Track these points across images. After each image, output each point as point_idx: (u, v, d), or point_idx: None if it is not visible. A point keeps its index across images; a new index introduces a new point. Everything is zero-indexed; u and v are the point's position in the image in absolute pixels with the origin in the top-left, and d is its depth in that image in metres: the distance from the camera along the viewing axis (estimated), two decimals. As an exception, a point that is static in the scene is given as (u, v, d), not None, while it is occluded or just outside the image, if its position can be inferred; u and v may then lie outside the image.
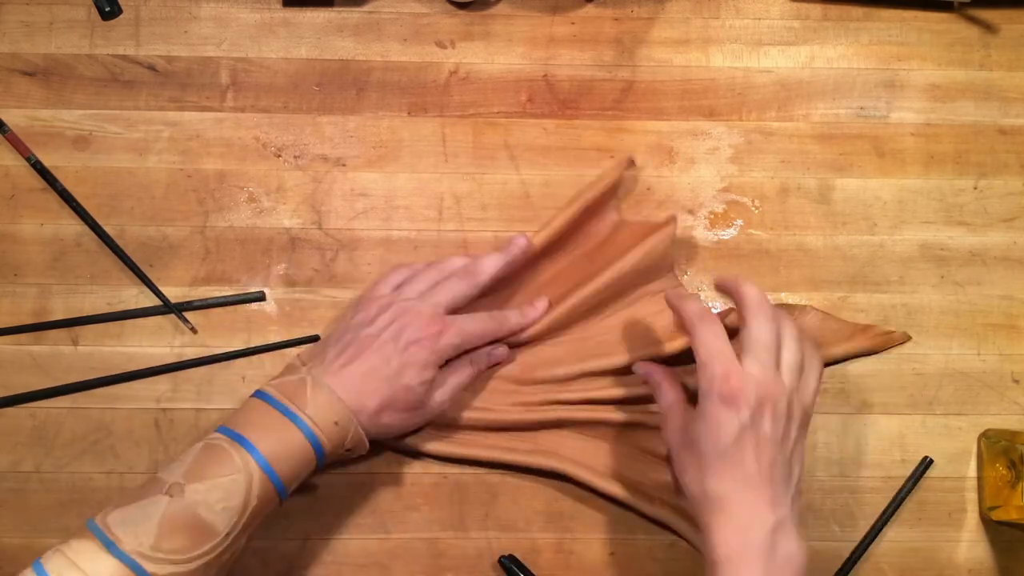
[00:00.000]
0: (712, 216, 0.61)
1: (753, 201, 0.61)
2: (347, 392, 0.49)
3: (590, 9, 0.63)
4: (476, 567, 0.56)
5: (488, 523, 0.56)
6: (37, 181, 0.59)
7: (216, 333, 0.58)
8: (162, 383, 0.57)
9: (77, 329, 0.57)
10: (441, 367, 0.52)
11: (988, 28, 0.64)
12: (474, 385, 0.55)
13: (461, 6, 0.63)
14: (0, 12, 0.62)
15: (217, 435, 0.47)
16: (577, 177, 0.61)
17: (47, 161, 0.59)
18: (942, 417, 0.58)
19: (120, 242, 0.59)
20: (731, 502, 0.44)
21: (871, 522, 0.57)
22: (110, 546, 0.42)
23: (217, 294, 0.58)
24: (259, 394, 0.49)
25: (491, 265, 0.55)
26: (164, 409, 0.57)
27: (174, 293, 0.58)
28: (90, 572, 0.42)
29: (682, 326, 0.49)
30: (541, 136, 0.61)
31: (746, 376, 0.45)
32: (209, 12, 0.62)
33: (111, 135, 0.60)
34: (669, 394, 0.51)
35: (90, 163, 0.60)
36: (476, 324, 0.54)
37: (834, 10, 0.64)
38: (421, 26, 0.63)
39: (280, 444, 0.47)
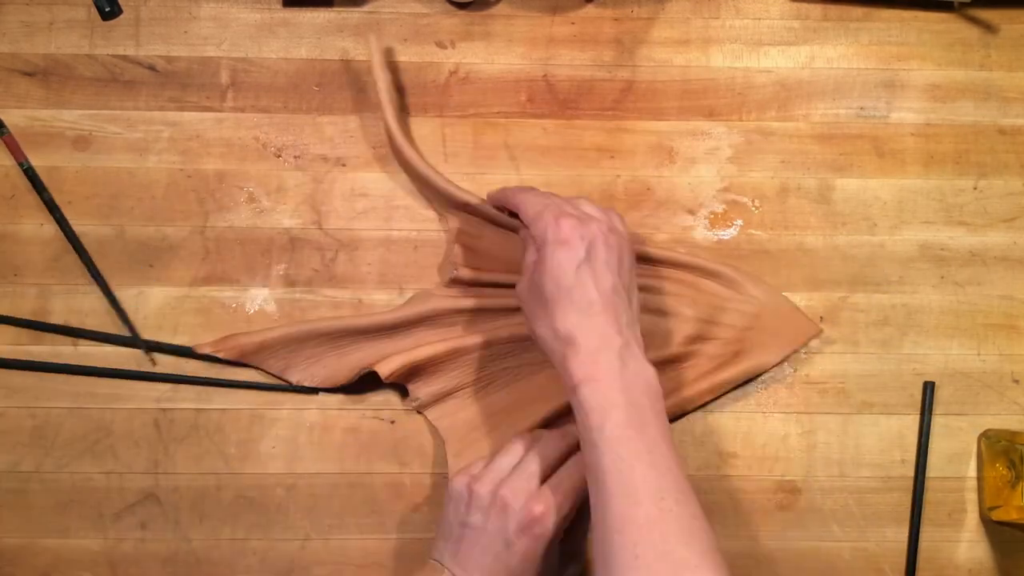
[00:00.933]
0: (712, 216, 0.61)
1: (753, 201, 0.61)
2: None
3: (590, 9, 0.63)
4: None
5: (488, 523, 0.56)
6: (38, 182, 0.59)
7: (216, 333, 0.57)
8: (162, 383, 0.57)
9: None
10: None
11: (988, 28, 0.64)
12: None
13: (461, 6, 0.63)
14: (0, 12, 0.62)
15: None
16: (577, 177, 0.61)
17: (47, 161, 0.59)
18: (942, 417, 0.58)
19: (120, 242, 0.59)
20: (580, 333, 0.46)
21: (871, 522, 0.57)
22: None
23: (217, 294, 0.58)
24: None
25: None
26: (164, 409, 0.57)
27: (174, 293, 0.58)
28: None
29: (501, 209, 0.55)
30: (541, 136, 0.61)
31: (572, 218, 0.48)
32: (209, 12, 0.62)
33: (111, 135, 0.60)
34: (531, 254, 0.51)
35: (90, 163, 0.60)
36: (576, 475, 0.50)
37: (834, 10, 0.64)
38: (421, 26, 0.63)
39: None
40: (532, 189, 0.53)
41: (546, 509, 0.48)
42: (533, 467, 0.50)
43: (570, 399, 0.46)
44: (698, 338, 0.58)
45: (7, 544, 0.55)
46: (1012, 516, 0.54)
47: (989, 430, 0.57)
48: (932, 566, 0.57)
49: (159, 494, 0.56)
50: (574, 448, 0.51)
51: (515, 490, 0.48)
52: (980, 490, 0.57)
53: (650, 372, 0.47)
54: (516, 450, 0.51)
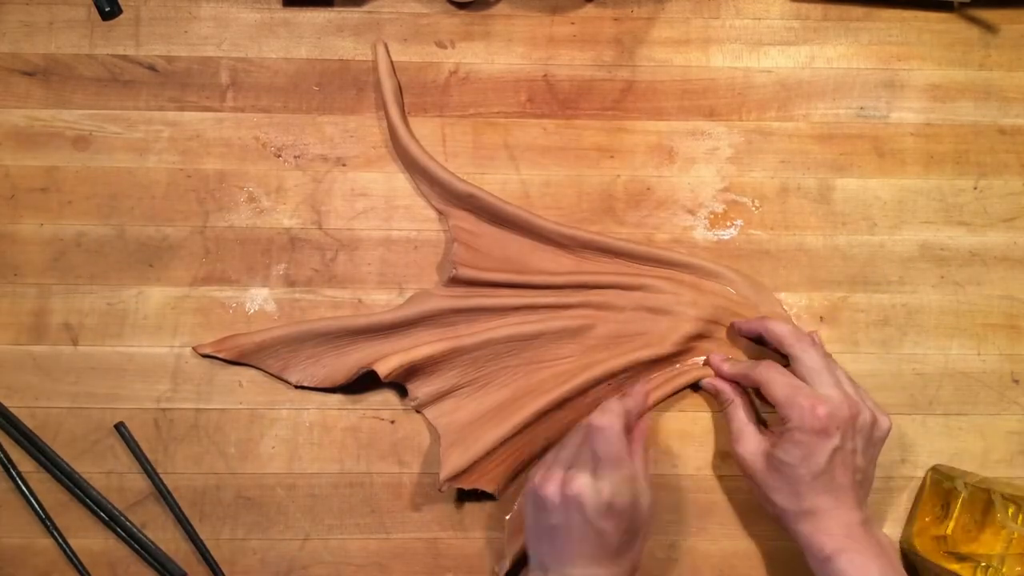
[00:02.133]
0: (712, 216, 0.61)
1: (753, 201, 0.61)
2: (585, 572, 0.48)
3: (590, 9, 0.63)
4: (476, 567, 0.56)
5: (488, 523, 0.56)
6: (37, 181, 0.59)
7: (216, 333, 0.58)
8: (162, 383, 0.57)
9: (77, 329, 0.57)
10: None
11: (988, 28, 0.64)
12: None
13: (461, 6, 0.63)
14: (0, 12, 0.62)
15: None
16: (577, 177, 0.61)
17: (47, 161, 0.60)
18: (942, 417, 0.58)
19: (120, 242, 0.59)
20: (825, 511, 0.50)
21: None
22: None
23: (217, 294, 0.58)
24: None
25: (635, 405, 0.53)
26: (164, 409, 0.57)
27: (174, 293, 0.58)
28: None
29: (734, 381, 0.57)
30: (541, 136, 0.61)
31: (829, 404, 0.50)
32: (209, 12, 0.62)
33: (111, 135, 0.60)
34: (742, 414, 0.55)
35: (90, 163, 0.60)
36: (635, 448, 0.51)
37: (834, 10, 0.64)
38: (421, 26, 0.63)
39: None
40: (775, 366, 0.54)
41: (613, 490, 0.48)
42: (588, 456, 0.51)
43: (820, 569, 0.49)
44: (698, 337, 0.58)
45: (7, 544, 0.55)
46: (922, 549, 0.55)
47: (940, 466, 0.57)
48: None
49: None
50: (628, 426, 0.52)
51: (581, 484, 0.49)
52: (909, 519, 0.57)
53: (891, 540, 0.51)
54: (571, 443, 0.52)
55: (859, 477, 0.51)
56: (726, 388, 0.56)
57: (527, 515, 0.51)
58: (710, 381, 0.57)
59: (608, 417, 0.50)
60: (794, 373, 0.53)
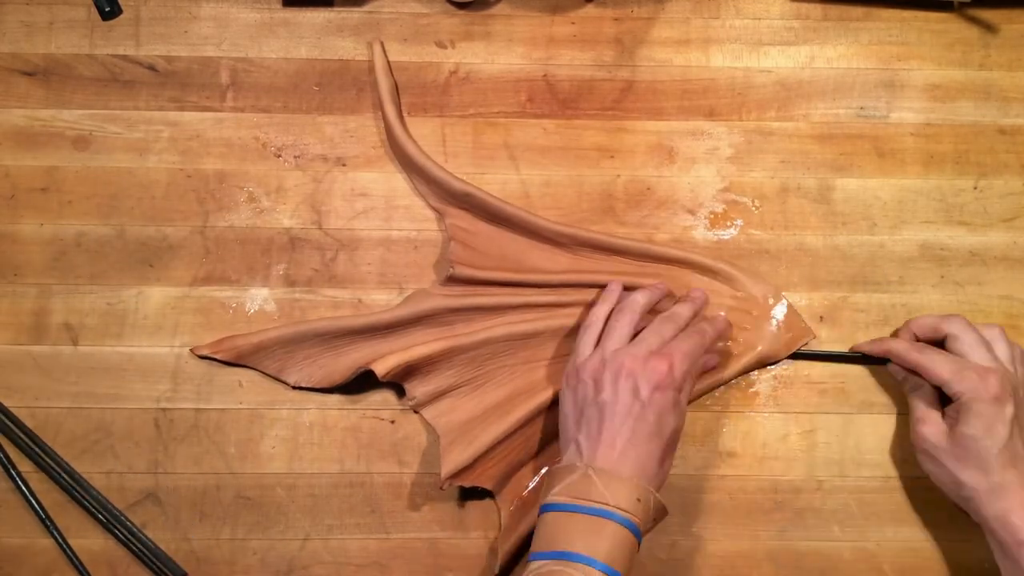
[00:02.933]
0: (712, 216, 0.61)
1: (753, 201, 0.61)
2: (629, 467, 0.49)
3: (590, 9, 0.63)
4: (476, 567, 0.56)
5: (488, 523, 0.56)
6: (37, 181, 0.59)
7: (216, 333, 0.58)
8: (162, 383, 0.57)
9: (77, 329, 0.57)
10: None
11: (988, 28, 0.64)
12: None
13: (461, 6, 0.63)
14: (0, 12, 0.62)
15: (544, 564, 0.46)
16: (577, 177, 0.61)
17: (47, 161, 0.60)
18: (942, 417, 0.58)
19: (120, 242, 0.59)
20: (1015, 486, 0.50)
21: (871, 522, 0.57)
22: None
23: (217, 294, 0.58)
24: (555, 507, 0.48)
25: (686, 311, 0.56)
26: (164, 409, 0.57)
27: (174, 293, 0.58)
28: None
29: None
30: (541, 136, 0.61)
31: (997, 372, 0.52)
32: (209, 12, 0.62)
33: (111, 135, 0.60)
34: (926, 397, 0.55)
35: (90, 163, 0.60)
36: (689, 342, 0.53)
37: (834, 10, 0.64)
38: (421, 26, 0.63)
39: (608, 543, 0.47)
40: (930, 348, 0.55)
41: (668, 366, 0.50)
42: (646, 343, 0.52)
43: (1016, 551, 0.49)
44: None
45: (7, 544, 0.55)
46: None
47: None
48: (932, 566, 0.57)
49: (159, 494, 0.56)
50: (680, 327, 0.54)
51: (635, 357, 0.51)
52: None
53: None
54: (620, 329, 0.53)
55: None
56: (912, 372, 0.56)
57: (568, 402, 0.52)
58: (896, 367, 0.57)
59: (699, 293, 0.56)
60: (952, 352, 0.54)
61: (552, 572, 0.45)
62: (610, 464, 0.49)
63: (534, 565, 0.47)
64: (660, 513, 0.49)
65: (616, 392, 0.50)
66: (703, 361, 0.55)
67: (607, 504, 0.47)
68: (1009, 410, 0.51)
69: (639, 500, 0.48)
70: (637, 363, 0.51)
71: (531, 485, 0.56)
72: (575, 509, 0.47)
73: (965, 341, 0.54)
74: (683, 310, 0.55)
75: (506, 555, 0.54)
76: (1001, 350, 0.54)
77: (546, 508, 0.49)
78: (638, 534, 0.48)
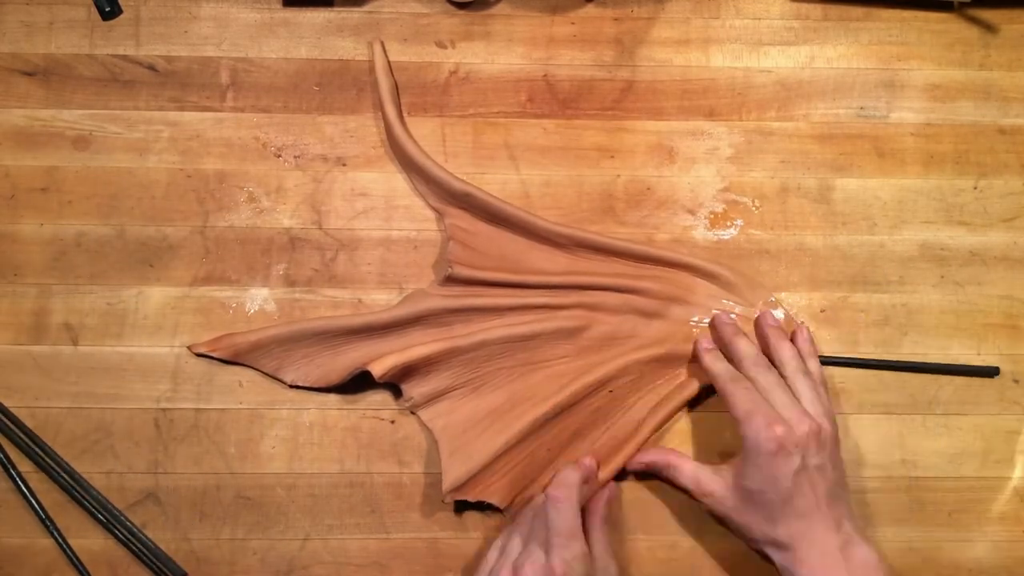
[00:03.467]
0: (712, 216, 0.61)
1: (753, 201, 0.61)
2: None
3: (590, 9, 0.63)
4: (476, 567, 0.56)
5: (488, 523, 0.56)
6: (37, 181, 0.59)
7: (216, 333, 0.57)
8: (162, 383, 0.57)
9: (77, 329, 0.57)
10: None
11: (988, 28, 0.64)
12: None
13: (461, 6, 0.63)
14: (0, 12, 0.62)
15: None
16: (577, 177, 0.61)
17: (47, 161, 0.60)
18: (942, 417, 0.58)
19: (120, 242, 0.59)
20: (801, 540, 0.49)
21: (871, 522, 0.57)
22: None
23: (217, 294, 0.58)
24: None
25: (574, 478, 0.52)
26: (164, 409, 0.57)
27: (174, 293, 0.58)
28: None
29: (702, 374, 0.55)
30: (541, 136, 0.61)
31: (784, 424, 0.50)
32: (209, 12, 0.62)
33: (111, 135, 0.60)
34: (687, 466, 0.54)
35: (90, 163, 0.60)
36: (559, 547, 0.49)
37: (834, 10, 0.64)
38: (421, 26, 0.63)
39: None
40: (740, 377, 0.53)
41: (564, 569, 0.47)
42: (541, 531, 0.50)
43: None
44: (694, 339, 0.58)
45: (7, 544, 0.55)
46: None
47: None
48: (932, 566, 0.57)
49: (159, 494, 0.56)
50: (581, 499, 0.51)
51: (532, 565, 0.48)
52: None
53: (873, 556, 0.49)
54: (526, 518, 0.52)
55: (832, 495, 0.50)
56: (659, 456, 0.55)
57: None
58: (640, 460, 0.55)
59: (562, 489, 0.50)
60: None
61: None
62: None
63: None
64: None
65: None
66: (593, 501, 0.54)
67: None
68: (794, 461, 0.49)
69: None
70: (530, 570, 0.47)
71: None
72: None
73: (760, 385, 0.52)
74: (570, 478, 0.52)
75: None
76: (801, 388, 0.52)
77: None
78: None
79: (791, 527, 0.49)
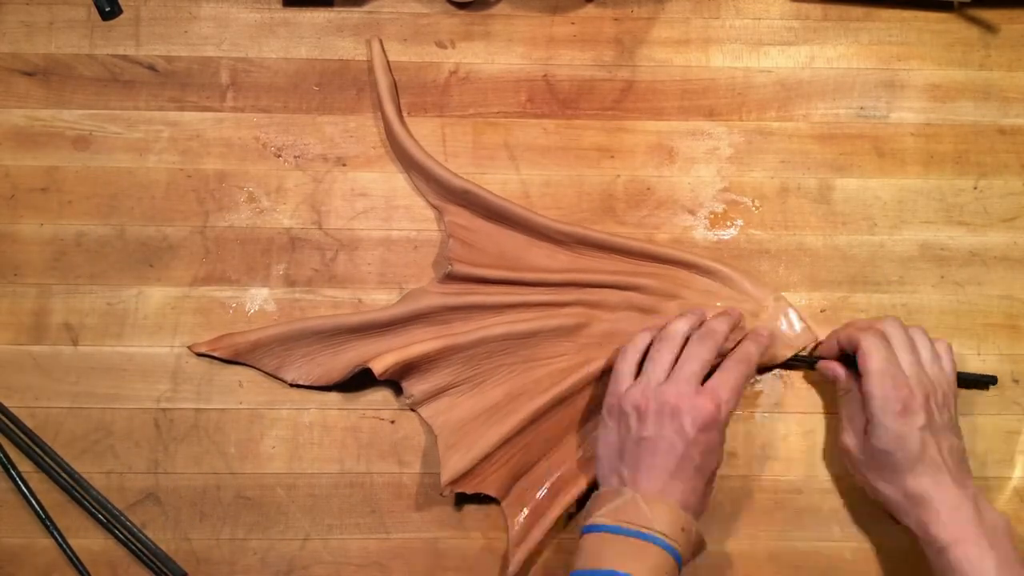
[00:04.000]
0: (712, 216, 0.61)
1: (753, 201, 0.61)
2: (675, 498, 0.49)
3: (590, 9, 0.63)
4: (476, 567, 0.56)
5: (488, 523, 0.56)
6: (37, 181, 0.59)
7: (216, 333, 0.57)
8: (162, 383, 0.57)
9: (77, 329, 0.57)
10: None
11: (988, 28, 0.64)
12: None
13: (461, 6, 0.63)
14: (0, 12, 0.62)
15: None
16: (577, 177, 0.61)
17: (47, 161, 0.60)
18: (942, 417, 0.58)
19: (120, 242, 0.59)
20: (931, 495, 0.50)
21: (871, 522, 0.57)
22: None
23: (217, 294, 0.58)
24: (599, 528, 0.48)
25: (723, 325, 0.55)
26: (164, 409, 0.57)
27: (174, 293, 0.58)
28: None
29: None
30: (541, 136, 0.61)
31: (909, 388, 0.51)
32: (209, 12, 0.62)
33: (111, 135, 0.60)
34: (854, 405, 0.54)
35: (90, 163, 0.60)
36: (735, 374, 0.53)
37: (834, 10, 0.64)
38: (421, 26, 0.63)
39: (650, 566, 0.47)
40: (877, 335, 0.53)
41: (716, 405, 0.50)
42: (688, 370, 0.52)
43: (936, 559, 0.49)
44: None
45: (7, 544, 0.55)
46: None
47: None
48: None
49: (159, 494, 0.56)
50: (719, 343, 0.54)
51: (680, 394, 0.50)
52: None
53: (1003, 518, 0.50)
54: (663, 358, 0.53)
55: (955, 453, 0.51)
56: (843, 376, 0.55)
57: (609, 434, 0.52)
58: (827, 365, 0.56)
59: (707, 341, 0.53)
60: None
61: None
62: (656, 494, 0.49)
63: None
64: (700, 546, 0.50)
65: (661, 429, 0.50)
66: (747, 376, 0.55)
67: (653, 529, 0.47)
68: (919, 420, 0.50)
69: (683, 530, 0.48)
70: (683, 401, 0.50)
71: (539, 495, 0.55)
72: (620, 531, 0.48)
73: (895, 341, 0.53)
74: (720, 326, 0.54)
75: (518, 565, 0.54)
76: (922, 351, 0.54)
77: (590, 529, 0.49)
78: (680, 562, 0.48)
79: (921, 481, 0.50)
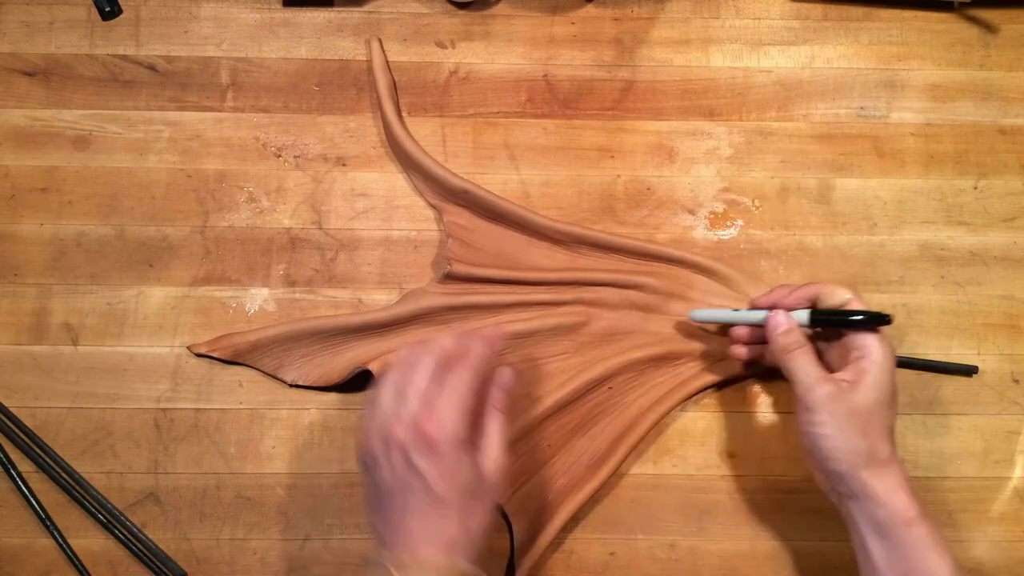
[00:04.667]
0: (712, 216, 0.61)
1: (753, 201, 0.61)
2: (427, 546, 0.44)
3: (590, 9, 0.63)
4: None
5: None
6: (37, 181, 0.59)
7: (216, 333, 0.57)
8: (162, 383, 0.57)
9: (77, 329, 0.57)
10: (472, 438, 0.46)
11: (988, 28, 0.64)
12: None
13: (461, 6, 0.63)
14: (0, 12, 0.62)
15: None
16: (577, 177, 0.61)
17: (47, 161, 0.60)
18: (942, 417, 0.58)
19: (120, 242, 0.59)
20: (889, 460, 0.49)
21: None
22: None
23: (217, 294, 0.58)
24: None
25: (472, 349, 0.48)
26: (164, 409, 0.57)
27: (174, 293, 0.58)
28: None
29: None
30: (541, 136, 0.61)
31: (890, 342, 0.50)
32: (209, 12, 0.62)
33: (111, 135, 0.60)
34: (811, 359, 0.50)
35: (90, 163, 0.60)
36: (452, 388, 0.46)
37: (834, 10, 0.64)
38: (421, 26, 0.63)
39: None
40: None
41: (436, 426, 0.44)
42: (404, 399, 0.46)
43: (898, 531, 0.47)
44: (693, 335, 0.58)
45: (7, 544, 0.55)
46: None
47: None
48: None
49: (159, 494, 0.56)
50: (438, 360, 0.47)
51: (399, 423, 0.45)
52: None
53: None
54: (386, 391, 0.47)
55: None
56: (796, 330, 0.51)
57: (363, 488, 0.47)
58: (778, 318, 0.52)
59: (415, 352, 0.46)
60: None
61: None
62: (408, 548, 0.44)
63: None
64: (484, 543, 0.46)
65: (392, 468, 0.45)
66: (493, 389, 0.49)
67: None
68: (894, 379, 0.50)
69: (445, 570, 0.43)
70: (404, 430, 0.44)
71: (543, 502, 0.55)
72: None
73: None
74: (442, 341, 0.48)
75: (525, 572, 0.54)
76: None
77: None
78: None
79: (881, 446, 0.49)
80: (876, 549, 0.48)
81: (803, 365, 0.50)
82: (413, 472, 0.44)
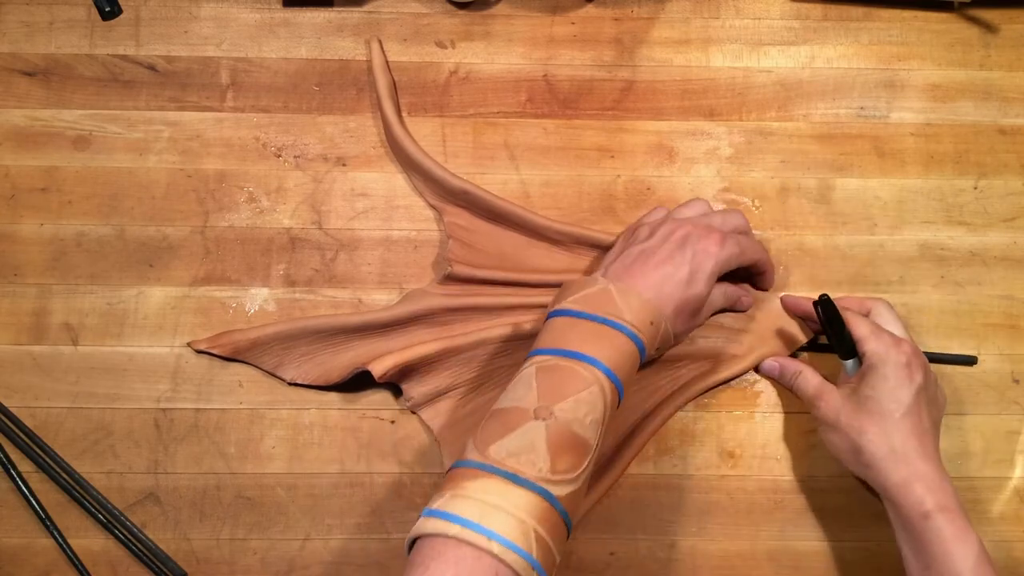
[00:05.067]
0: (712, 216, 0.61)
1: (753, 201, 0.61)
2: (651, 294, 0.50)
3: (590, 9, 0.63)
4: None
5: (488, 523, 0.56)
6: (37, 181, 0.59)
7: (215, 332, 0.57)
8: (162, 383, 0.57)
9: (77, 329, 0.57)
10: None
11: (988, 28, 0.64)
12: None
13: (461, 6, 0.63)
14: (0, 12, 0.62)
15: (545, 358, 0.47)
16: (577, 177, 0.61)
17: (47, 161, 0.60)
18: (942, 416, 0.58)
19: (120, 242, 0.59)
20: (915, 456, 0.49)
21: (871, 522, 0.57)
22: (515, 479, 0.42)
23: (217, 294, 0.58)
24: (565, 313, 0.49)
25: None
26: (164, 409, 0.57)
27: (174, 293, 0.58)
28: (511, 507, 0.41)
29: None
30: (541, 136, 0.61)
31: (911, 344, 0.52)
32: (209, 12, 0.62)
33: (111, 135, 0.60)
34: (814, 377, 0.55)
35: (90, 163, 0.60)
36: (751, 243, 0.55)
37: (834, 10, 0.64)
38: (421, 26, 0.63)
39: (614, 351, 0.48)
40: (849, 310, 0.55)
41: (720, 240, 0.52)
42: (713, 219, 0.54)
43: (915, 525, 0.48)
44: (694, 337, 0.58)
45: (7, 544, 0.55)
46: None
47: None
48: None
49: (159, 494, 0.56)
50: (760, 257, 0.56)
51: (697, 224, 0.53)
52: None
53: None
54: (691, 207, 0.56)
55: (937, 428, 0.52)
56: (789, 362, 0.57)
57: (615, 245, 0.56)
58: (769, 363, 0.57)
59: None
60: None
61: (557, 366, 0.46)
62: (632, 286, 0.50)
63: (537, 358, 0.47)
64: (666, 342, 0.51)
65: (664, 240, 0.52)
66: (737, 296, 0.57)
67: (620, 318, 0.48)
68: (918, 379, 0.51)
69: (651, 323, 0.49)
70: (697, 228, 0.52)
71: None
72: (586, 317, 0.48)
73: (886, 318, 0.55)
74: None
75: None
76: (901, 329, 0.55)
77: (556, 314, 0.50)
78: (643, 352, 0.49)
79: (908, 441, 0.50)
80: (902, 542, 0.50)
81: (806, 379, 0.55)
82: (682, 254, 0.51)
